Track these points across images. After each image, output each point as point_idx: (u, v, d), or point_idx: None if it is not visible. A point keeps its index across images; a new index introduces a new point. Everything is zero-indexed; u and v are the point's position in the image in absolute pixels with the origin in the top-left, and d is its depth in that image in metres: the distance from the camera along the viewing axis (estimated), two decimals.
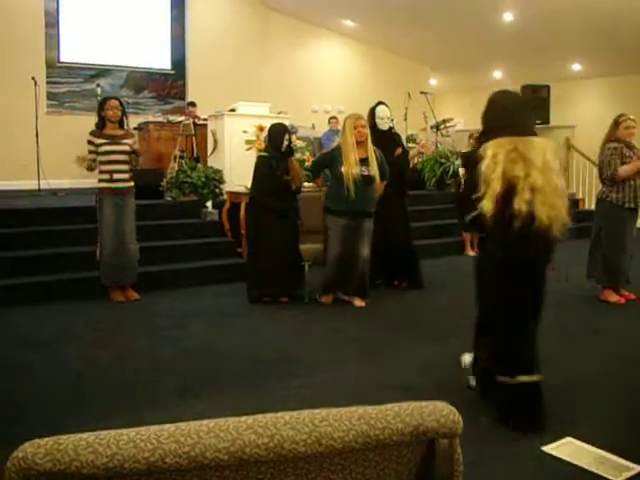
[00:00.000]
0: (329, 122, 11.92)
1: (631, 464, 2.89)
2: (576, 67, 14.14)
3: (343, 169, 5.45)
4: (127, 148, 5.76)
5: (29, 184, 9.15)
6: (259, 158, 5.99)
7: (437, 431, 1.24)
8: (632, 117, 5.80)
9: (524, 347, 3.34)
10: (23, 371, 4.15)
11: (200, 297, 6.17)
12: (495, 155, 3.19)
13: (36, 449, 1.09)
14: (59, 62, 10.88)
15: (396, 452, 1.26)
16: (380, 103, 6.39)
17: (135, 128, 9.28)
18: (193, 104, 10.81)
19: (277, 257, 5.79)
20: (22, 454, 1.09)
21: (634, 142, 5.80)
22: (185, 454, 1.12)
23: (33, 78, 9.13)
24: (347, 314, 5.54)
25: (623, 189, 5.69)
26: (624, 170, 5.61)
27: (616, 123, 5.79)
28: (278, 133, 5.92)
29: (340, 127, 11.46)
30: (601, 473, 2.82)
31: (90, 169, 5.81)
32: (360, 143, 5.55)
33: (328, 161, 5.75)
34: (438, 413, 1.26)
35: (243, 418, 1.18)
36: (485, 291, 3.46)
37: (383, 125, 6.20)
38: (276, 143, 5.88)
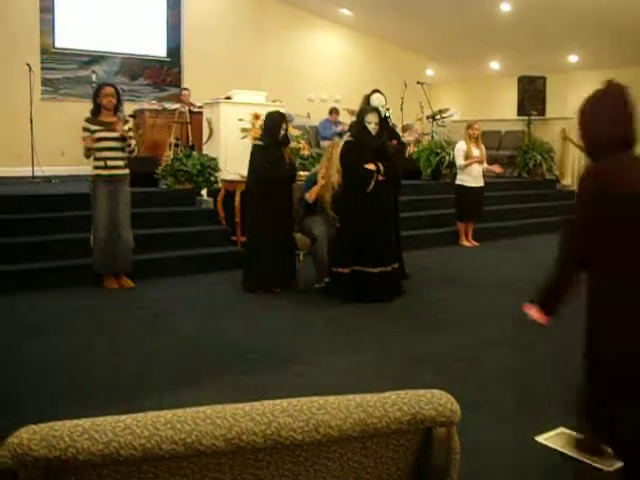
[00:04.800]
0: (330, 113, 11.78)
1: None
2: (573, 58, 14.10)
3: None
4: (121, 134, 5.73)
5: (23, 171, 9.09)
6: (255, 147, 5.91)
7: (435, 419, 1.24)
8: None
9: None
10: (16, 359, 4.14)
11: (195, 285, 6.15)
12: None
13: (32, 435, 1.08)
14: (54, 48, 10.77)
15: (393, 440, 1.25)
16: (375, 91, 6.32)
17: (130, 115, 9.21)
18: (185, 88, 10.81)
19: (272, 248, 5.74)
20: (17, 440, 1.07)
21: None
22: (182, 441, 1.11)
23: (28, 64, 9.05)
24: (340, 304, 5.54)
25: None
26: None
27: None
28: (275, 121, 5.83)
29: (340, 119, 11.39)
30: (593, 463, 2.84)
31: (88, 157, 5.77)
32: None
33: (315, 179, 6.04)
34: (436, 401, 1.25)
35: (240, 405, 1.17)
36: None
37: None
38: (273, 132, 5.81)
